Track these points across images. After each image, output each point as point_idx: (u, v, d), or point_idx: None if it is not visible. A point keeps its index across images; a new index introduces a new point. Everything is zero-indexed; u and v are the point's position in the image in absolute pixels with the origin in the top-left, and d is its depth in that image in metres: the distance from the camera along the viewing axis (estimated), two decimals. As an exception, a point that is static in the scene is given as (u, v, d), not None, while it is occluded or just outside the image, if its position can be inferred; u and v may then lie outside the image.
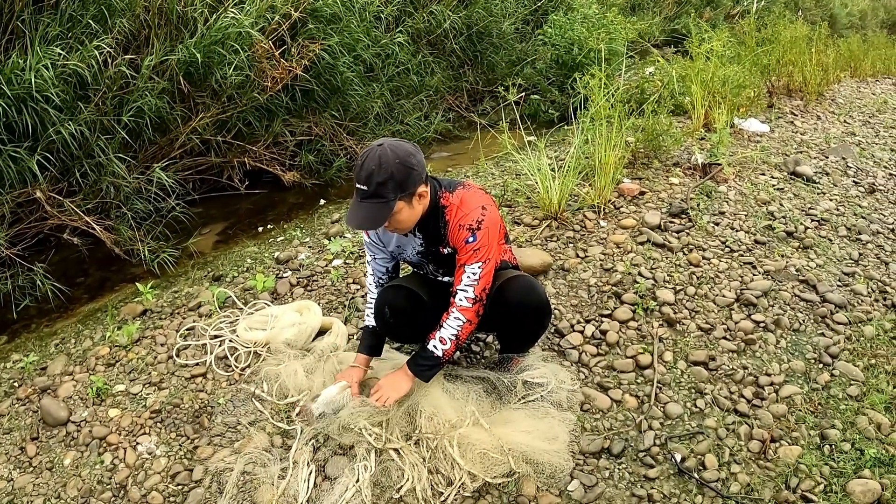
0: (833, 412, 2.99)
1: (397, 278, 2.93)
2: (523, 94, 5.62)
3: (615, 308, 3.47)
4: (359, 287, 3.79)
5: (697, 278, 3.78)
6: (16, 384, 3.20)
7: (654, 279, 3.71)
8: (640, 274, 3.74)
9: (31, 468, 2.73)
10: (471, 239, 2.51)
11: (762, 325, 3.48)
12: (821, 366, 3.29)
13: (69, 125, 4.15)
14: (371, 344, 2.87)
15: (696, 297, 3.62)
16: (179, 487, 2.55)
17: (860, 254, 4.40)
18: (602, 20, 7.07)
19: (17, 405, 3.05)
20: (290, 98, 5.68)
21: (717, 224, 4.39)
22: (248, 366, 3.16)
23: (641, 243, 4.06)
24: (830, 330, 3.55)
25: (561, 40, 7.13)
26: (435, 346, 2.61)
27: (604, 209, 4.40)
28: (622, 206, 4.51)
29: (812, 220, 4.69)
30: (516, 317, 2.76)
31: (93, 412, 2.94)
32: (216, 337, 3.34)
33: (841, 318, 3.64)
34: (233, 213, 5.36)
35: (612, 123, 4.37)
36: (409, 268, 2.97)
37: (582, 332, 3.31)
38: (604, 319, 3.41)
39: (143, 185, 4.67)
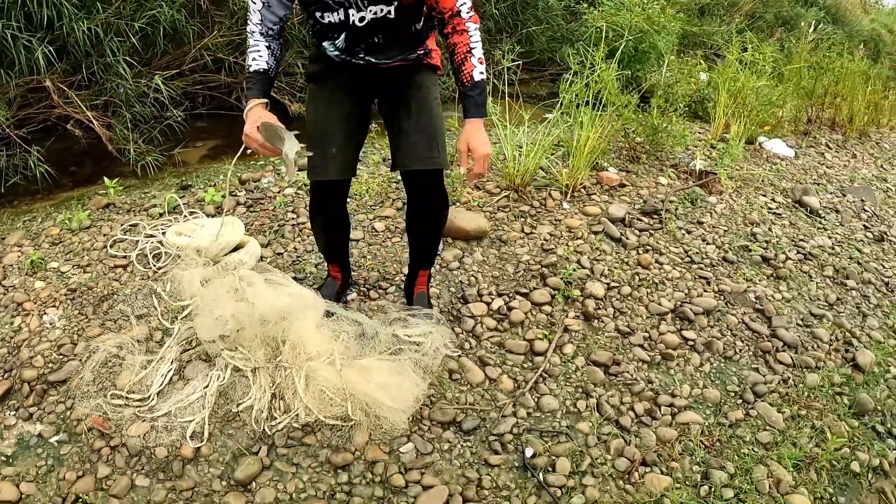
0: (730, 454, 2.76)
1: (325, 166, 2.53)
2: (519, 62, 5.28)
3: (534, 289, 3.25)
4: (295, 216, 3.66)
5: (640, 280, 3.53)
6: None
7: (592, 271, 3.46)
8: (578, 262, 3.48)
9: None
10: None
11: (690, 343, 3.23)
12: (739, 401, 3.04)
13: (83, 23, 4.28)
14: (264, 88, 2.42)
15: (629, 298, 3.38)
16: (61, 357, 2.68)
17: (838, 299, 4.09)
18: (652, 13, 6.67)
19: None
20: (305, 29, 5.54)
21: (689, 232, 4.11)
22: (163, 266, 3.25)
23: (595, 233, 3.79)
24: (768, 367, 3.29)
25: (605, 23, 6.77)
26: (482, 73, 2.32)
27: (573, 192, 4.13)
28: (595, 194, 4.24)
29: (798, 253, 4.38)
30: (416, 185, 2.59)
31: (22, 281, 3.13)
32: (150, 236, 3.48)
33: (785, 358, 3.37)
34: (234, 132, 5.33)
35: (599, 107, 4.10)
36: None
37: (488, 305, 3.10)
38: (518, 297, 3.19)
39: (145, 90, 4.74)
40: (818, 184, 5.76)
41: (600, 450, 2.57)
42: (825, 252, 4.54)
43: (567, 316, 3.14)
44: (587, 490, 2.41)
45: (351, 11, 2.29)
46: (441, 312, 2.99)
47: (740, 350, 3.32)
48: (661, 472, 2.56)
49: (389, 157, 2.69)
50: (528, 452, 2.47)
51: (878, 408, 3.31)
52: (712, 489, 2.56)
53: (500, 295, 3.17)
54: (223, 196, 3.80)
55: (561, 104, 4.19)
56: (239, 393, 2.51)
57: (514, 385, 2.74)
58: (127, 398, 2.49)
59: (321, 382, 2.48)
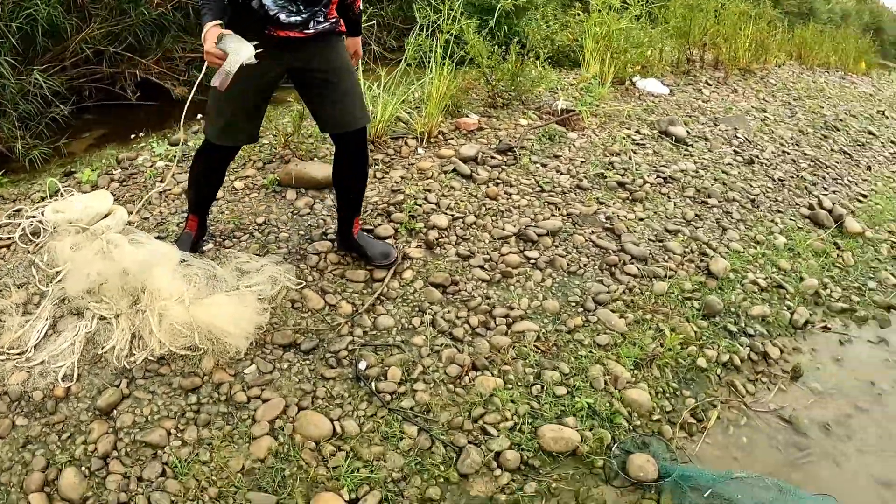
0: (566, 356, 3.02)
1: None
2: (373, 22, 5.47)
3: (378, 224, 3.49)
4: (162, 184, 3.84)
5: (486, 210, 3.78)
6: None
7: (438, 205, 3.71)
8: (425, 198, 3.72)
9: None
10: None
11: (533, 261, 3.48)
12: (580, 310, 3.28)
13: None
14: (217, 11, 2.49)
15: (472, 226, 3.64)
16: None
17: (697, 215, 4.38)
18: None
19: None
20: (183, 15, 5.69)
21: (544, 166, 4.38)
22: (41, 241, 3.41)
23: (446, 172, 4.04)
24: (613, 279, 3.55)
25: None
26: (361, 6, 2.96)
27: (428, 139, 4.37)
28: (452, 139, 4.48)
29: (658, 177, 4.67)
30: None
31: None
32: (31, 217, 3.63)
33: (632, 269, 3.63)
34: (121, 121, 5.50)
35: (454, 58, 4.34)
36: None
37: (332, 242, 3.32)
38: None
39: (29, 87, 4.79)
40: (690, 116, 6.07)
41: (433, 359, 2.84)
42: (688, 175, 4.83)
43: (409, 246, 3.38)
44: (417, 394, 2.68)
45: None
46: (289, 253, 3.21)
47: (585, 265, 3.59)
48: (492, 375, 2.83)
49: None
50: (362, 365, 2.73)
51: (732, 310, 3.61)
52: (544, 387, 2.82)
53: (348, 233, 3.40)
54: (102, 173, 4.02)
55: (406, 58, 4.42)
56: (104, 338, 2.77)
57: (353, 309, 2.99)
58: (7, 353, 2.75)
59: (172, 319, 2.75)
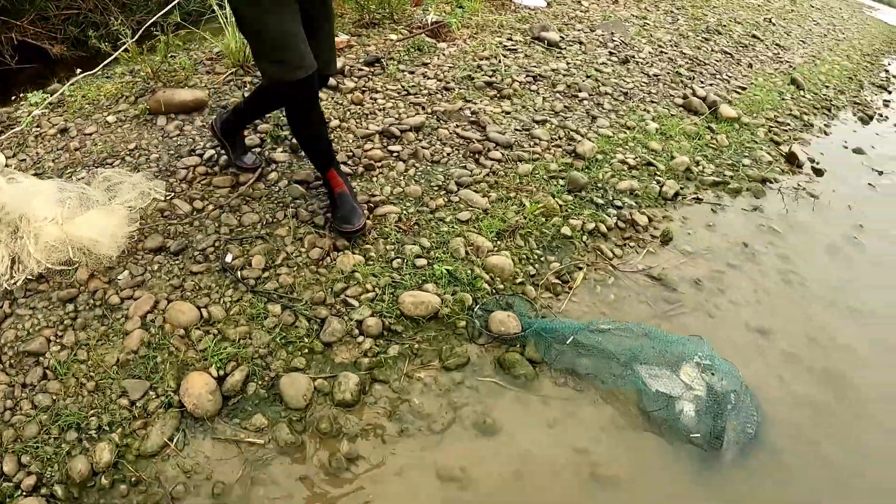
0: (429, 233, 3.18)
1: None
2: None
3: (246, 136, 3.57)
4: (39, 129, 3.84)
5: (350, 115, 3.89)
6: None
7: (302, 116, 3.80)
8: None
9: None
10: None
11: (395, 154, 3.61)
12: (442, 192, 3.42)
13: None
14: None
15: (337, 129, 3.76)
16: None
17: (566, 107, 4.55)
18: None
19: None
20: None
21: (412, 73, 4.50)
22: None
23: (314, 86, 4.13)
24: (476, 164, 3.71)
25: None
26: None
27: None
28: (322, 57, 4.56)
29: (528, 76, 4.81)
30: None
31: None
32: None
33: (496, 155, 3.79)
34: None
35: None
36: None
37: (201, 156, 3.41)
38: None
39: None
40: (566, 24, 6.23)
41: (296, 246, 2.98)
42: (559, 74, 5.00)
43: (275, 151, 3.48)
44: (281, 277, 2.83)
45: None
46: (159, 171, 3.30)
47: (448, 154, 3.75)
48: (353, 254, 2.97)
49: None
50: (228, 258, 2.85)
51: (600, 185, 3.80)
52: (405, 260, 2.98)
53: (213, 148, 3.49)
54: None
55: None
56: None
57: (219, 211, 3.09)
58: None
59: (47, 238, 2.86)
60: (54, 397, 2.38)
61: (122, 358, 2.50)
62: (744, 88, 5.86)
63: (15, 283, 2.79)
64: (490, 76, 4.64)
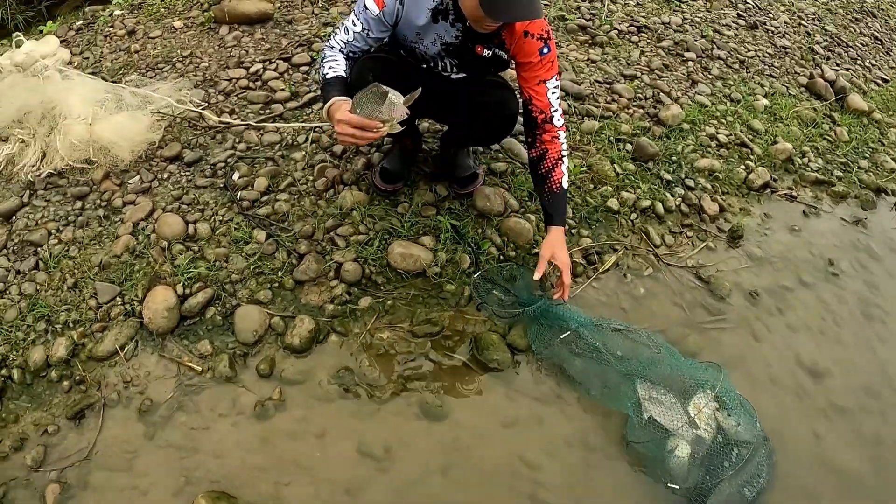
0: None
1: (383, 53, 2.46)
2: None
3: (296, 53, 3.53)
4: (112, 29, 3.94)
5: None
6: None
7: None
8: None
9: None
10: (545, 50, 2.30)
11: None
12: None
13: None
14: (342, 90, 2.23)
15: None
16: None
17: (665, 65, 4.16)
18: None
19: None
20: None
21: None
22: None
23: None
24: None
25: None
26: (569, 181, 2.49)
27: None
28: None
29: (631, 26, 4.43)
30: (485, 122, 2.58)
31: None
32: None
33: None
34: None
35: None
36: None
37: (247, 69, 3.44)
38: (278, 61, 3.54)
39: None
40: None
41: (307, 174, 2.90)
42: (669, 28, 4.55)
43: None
44: (277, 204, 2.78)
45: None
46: (203, 80, 3.32)
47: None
48: (359, 190, 2.82)
49: None
50: (235, 175, 2.85)
51: (675, 159, 3.39)
52: (411, 206, 2.79)
53: (263, 62, 3.46)
54: (62, 24, 4.17)
55: None
56: (22, 158, 2.99)
57: (245, 127, 3.07)
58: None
59: (74, 137, 2.97)
60: (38, 287, 2.50)
61: (106, 260, 2.57)
62: (886, 81, 5.12)
63: (39, 176, 2.93)
64: (588, 20, 4.31)
